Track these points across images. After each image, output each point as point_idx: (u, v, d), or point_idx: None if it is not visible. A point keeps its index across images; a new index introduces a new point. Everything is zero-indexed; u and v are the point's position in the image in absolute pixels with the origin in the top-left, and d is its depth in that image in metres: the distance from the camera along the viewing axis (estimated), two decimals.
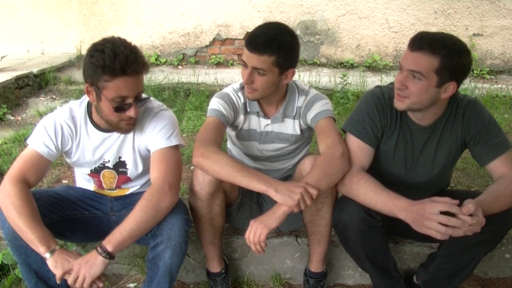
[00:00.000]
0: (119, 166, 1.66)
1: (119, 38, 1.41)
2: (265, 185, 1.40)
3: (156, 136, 1.56)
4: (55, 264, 1.36)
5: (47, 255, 1.36)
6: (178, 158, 1.58)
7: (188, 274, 1.96)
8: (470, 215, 1.26)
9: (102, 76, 1.36)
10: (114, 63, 1.33)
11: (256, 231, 1.40)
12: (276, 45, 1.49)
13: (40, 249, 1.36)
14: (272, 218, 1.40)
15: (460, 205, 1.30)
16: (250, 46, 1.50)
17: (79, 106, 1.61)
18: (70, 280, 1.36)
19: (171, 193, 1.47)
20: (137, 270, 1.95)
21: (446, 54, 1.34)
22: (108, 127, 1.57)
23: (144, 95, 1.50)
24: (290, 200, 1.36)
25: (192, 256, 1.93)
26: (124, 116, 1.46)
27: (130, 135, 1.61)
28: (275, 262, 1.94)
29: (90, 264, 1.36)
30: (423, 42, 1.37)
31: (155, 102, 1.65)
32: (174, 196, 1.48)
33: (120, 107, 1.43)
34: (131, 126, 1.52)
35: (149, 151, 1.59)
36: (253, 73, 1.53)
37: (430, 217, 1.28)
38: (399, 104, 1.47)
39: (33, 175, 1.50)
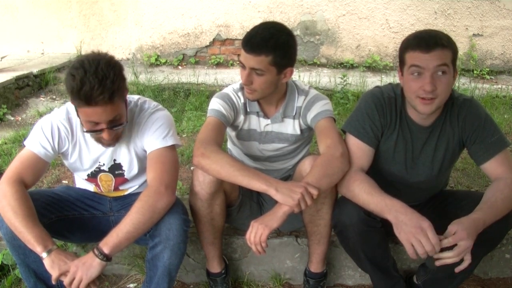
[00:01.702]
0: (115, 168, 1.66)
1: (95, 59, 1.33)
2: (266, 185, 1.40)
3: (151, 136, 1.56)
4: (51, 264, 1.36)
5: (44, 255, 1.36)
6: (175, 158, 1.57)
7: (188, 274, 1.96)
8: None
9: (73, 101, 1.36)
10: (79, 93, 1.30)
11: (257, 232, 1.39)
12: (272, 44, 1.49)
13: (37, 249, 1.36)
14: (273, 219, 1.40)
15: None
16: (247, 47, 1.50)
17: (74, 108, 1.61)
18: (66, 281, 1.36)
19: (168, 193, 1.46)
20: (137, 270, 1.95)
21: (456, 49, 1.42)
22: None
23: (120, 120, 1.44)
24: (291, 199, 1.36)
25: (192, 256, 1.93)
26: (100, 137, 1.46)
27: (125, 136, 1.60)
28: (275, 262, 1.93)
29: (87, 266, 1.36)
30: (435, 40, 1.38)
31: (150, 103, 1.64)
32: (170, 197, 1.48)
33: (92, 131, 1.43)
34: (112, 142, 1.50)
35: (145, 151, 1.59)
36: (251, 74, 1.54)
37: (419, 232, 1.28)
38: (427, 109, 1.43)
39: (30, 176, 1.50)
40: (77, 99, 1.33)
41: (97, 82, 1.29)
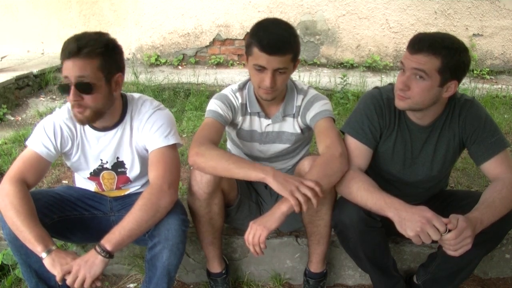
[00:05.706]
0: (118, 166, 1.66)
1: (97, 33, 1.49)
2: (263, 173, 1.39)
3: (153, 135, 1.56)
4: (52, 263, 1.36)
5: (43, 255, 1.36)
6: (176, 157, 1.58)
7: (188, 274, 1.96)
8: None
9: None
10: (62, 48, 1.42)
11: (255, 233, 1.39)
12: (293, 41, 1.51)
13: (37, 248, 1.36)
14: (272, 219, 1.40)
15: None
16: (268, 49, 1.47)
17: None
18: (69, 280, 1.35)
19: (170, 192, 1.47)
20: (137, 270, 1.95)
21: (446, 54, 1.35)
22: (102, 126, 1.58)
23: (86, 81, 1.41)
24: (286, 190, 1.34)
25: (192, 256, 1.93)
26: (70, 101, 1.44)
27: (127, 134, 1.60)
28: (275, 262, 1.94)
29: (90, 264, 1.36)
30: (423, 44, 1.37)
31: (152, 102, 1.65)
32: (173, 195, 1.48)
33: (61, 88, 1.43)
34: (83, 116, 1.45)
35: (147, 151, 1.59)
36: (274, 75, 1.53)
37: (426, 223, 1.28)
38: (400, 104, 1.47)
39: (32, 176, 1.50)
40: (61, 55, 1.42)
41: (76, 38, 1.41)
